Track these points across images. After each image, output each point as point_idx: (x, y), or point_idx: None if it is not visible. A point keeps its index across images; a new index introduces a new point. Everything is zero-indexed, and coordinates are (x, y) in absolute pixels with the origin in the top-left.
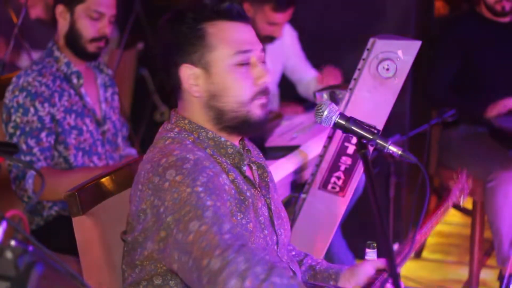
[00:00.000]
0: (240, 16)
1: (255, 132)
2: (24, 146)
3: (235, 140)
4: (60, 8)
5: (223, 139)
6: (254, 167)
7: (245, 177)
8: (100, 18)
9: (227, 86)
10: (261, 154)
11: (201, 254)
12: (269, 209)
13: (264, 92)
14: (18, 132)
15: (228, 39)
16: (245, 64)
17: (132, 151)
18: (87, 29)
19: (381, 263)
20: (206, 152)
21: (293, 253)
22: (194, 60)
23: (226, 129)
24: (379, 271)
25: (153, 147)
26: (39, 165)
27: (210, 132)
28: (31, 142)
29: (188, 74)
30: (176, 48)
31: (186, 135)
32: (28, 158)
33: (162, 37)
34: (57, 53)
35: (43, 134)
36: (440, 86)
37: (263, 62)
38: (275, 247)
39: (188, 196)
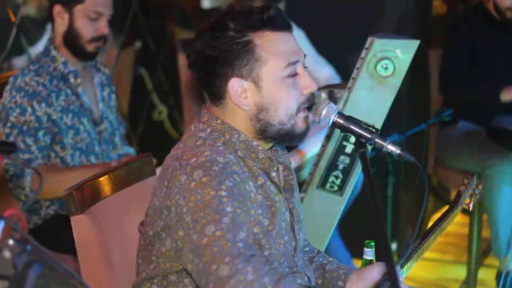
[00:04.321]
0: (285, 26)
1: (296, 143)
2: (22, 145)
3: (267, 146)
4: (57, 8)
5: (254, 143)
6: (280, 168)
7: (273, 182)
8: (99, 18)
9: (277, 99)
10: (287, 155)
11: (211, 259)
12: (291, 214)
13: (309, 100)
14: (15, 132)
15: (277, 52)
16: (293, 75)
17: (130, 150)
18: (86, 29)
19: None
20: (237, 156)
21: (307, 249)
22: (244, 74)
23: (267, 139)
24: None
25: (183, 144)
26: (37, 163)
27: (242, 135)
28: (29, 141)
29: (237, 87)
30: (222, 62)
31: (218, 136)
32: (26, 156)
33: (205, 48)
34: (54, 53)
35: (40, 133)
36: (458, 67)
37: (305, 67)
38: (293, 252)
39: (211, 199)
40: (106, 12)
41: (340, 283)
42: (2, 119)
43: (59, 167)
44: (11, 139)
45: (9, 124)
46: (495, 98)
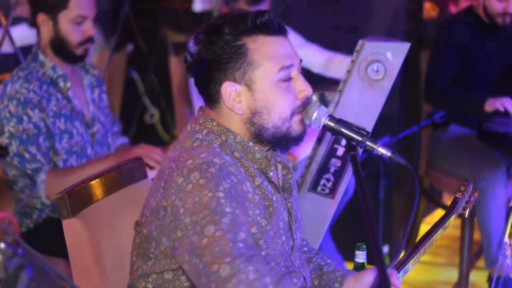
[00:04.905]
0: (280, 30)
1: (292, 146)
2: (26, 155)
3: (262, 147)
4: (41, 17)
5: (251, 144)
6: (279, 167)
7: (271, 182)
8: (84, 21)
9: (270, 103)
10: (286, 155)
11: (212, 259)
12: (289, 213)
13: (305, 104)
14: (16, 142)
15: (270, 56)
16: (288, 79)
17: (124, 140)
18: (73, 34)
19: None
20: (234, 157)
21: (305, 248)
22: (237, 78)
23: (263, 142)
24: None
25: (180, 145)
26: (46, 169)
27: (238, 136)
28: (32, 149)
29: (230, 91)
30: (217, 65)
31: (214, 138)
32: (34, 165)
33: (200, 52)
34: (42, 57)
35: (40, 139)
36: (442, 78)
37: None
38: (290, 252)
39: (209, 201)
40: (90, 14)
41: (336, 285)
42: None
43: (68, 168)
44: (14, 149)
45: (7, 135)
46: (479, 110)
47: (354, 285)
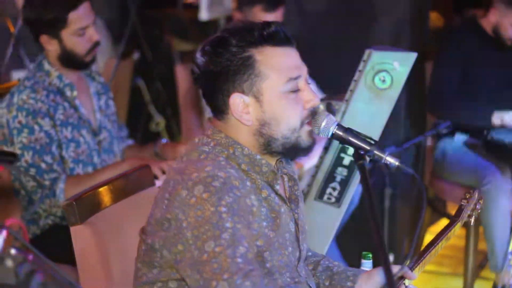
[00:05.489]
0: (286, 41)
1: (301, 157)
2: (43, 165)
3: (270, 159)
4: (44, 38)
5: (258, 156)
6: (285, 179)
7: (277, 194)
8: (86, 30)
9: (278, 114)
10: (293, 166)
11: (211, 276)
12: (296, 224)
13: (312, 114)
14: (30, 153)
15: (278, 67)
16: (295, 90)
17: (129, 142)
18: (80, 46)
19: (399, 270)
20: (240, 169)
21: (309, 253)
22: (244, 89)
23: (273, 154)
24: (397, 278)
25: (186, 157)
26: (63, 178)
27: (246, 148)
28: (48, 159)
29: (238, 102)
30: (224, 77)
31: (221, 150)
32: (52, 176)
33: (207, 64)
34: (47, 67)
35: (53, 148)
36: (446, 89)
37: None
38: (296, 262)
39: (211, 215)
40: (90, 22)
41: (349, 283)
42: (7, 137)
43: (84, 175)
44: (29, 161)
45: (19, 146)
46: (485, 123)
47: (367, 282)
